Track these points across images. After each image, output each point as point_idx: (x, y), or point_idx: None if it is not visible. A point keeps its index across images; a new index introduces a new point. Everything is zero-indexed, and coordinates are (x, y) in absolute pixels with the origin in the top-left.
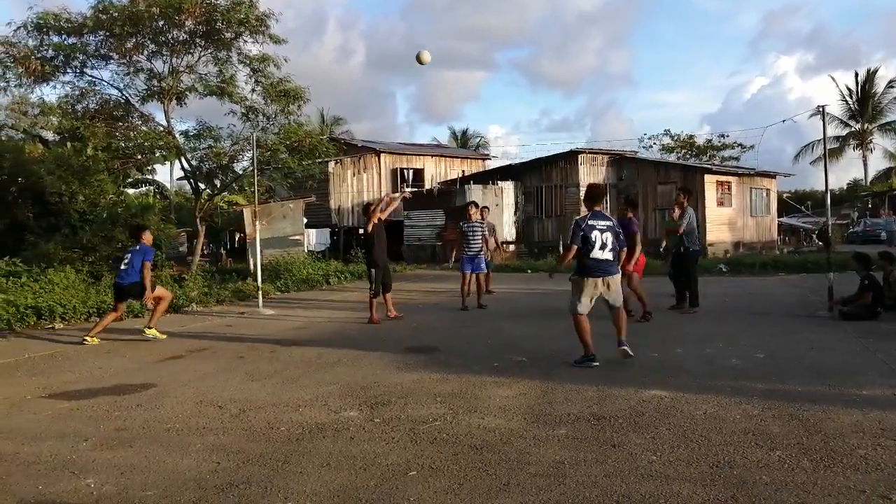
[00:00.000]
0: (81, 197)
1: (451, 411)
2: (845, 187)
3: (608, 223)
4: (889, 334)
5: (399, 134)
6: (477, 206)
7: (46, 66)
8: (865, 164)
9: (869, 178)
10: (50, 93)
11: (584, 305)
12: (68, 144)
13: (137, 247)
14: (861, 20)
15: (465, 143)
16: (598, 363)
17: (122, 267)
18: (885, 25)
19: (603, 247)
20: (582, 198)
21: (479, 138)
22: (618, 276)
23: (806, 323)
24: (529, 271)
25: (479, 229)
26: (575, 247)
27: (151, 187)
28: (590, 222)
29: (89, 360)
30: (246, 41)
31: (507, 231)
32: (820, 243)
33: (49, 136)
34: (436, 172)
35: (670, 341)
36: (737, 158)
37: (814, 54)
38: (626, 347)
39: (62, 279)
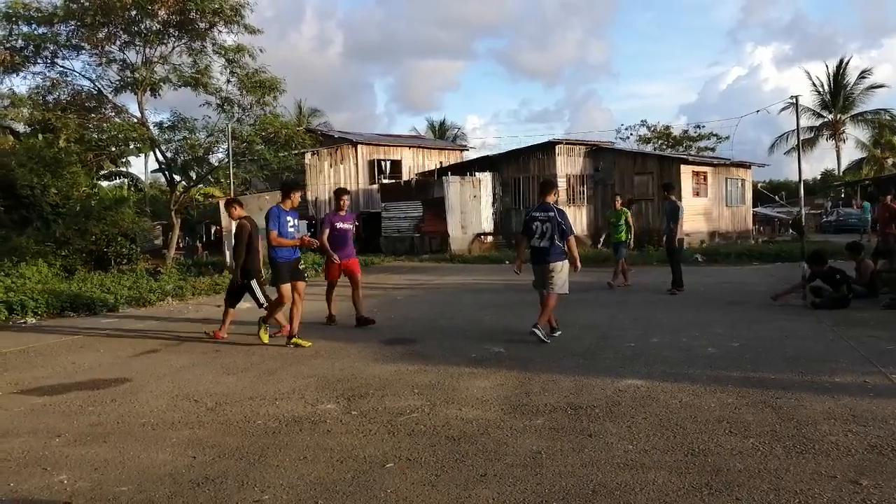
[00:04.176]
0: (54, 189)
1: (428, 403)
2: (819, 177)
3: (549, 214)
4: (860, 322)
5: (377, 124)
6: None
7: (16, 57)
8: (838, 155)
9: (842, 168)
10: (20, 83)
11: (539, 285)
12: (39, 136)
13: None
14: (839, 10)
15: (442, 135)
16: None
17: None
18: (862, 15)
19: (542, 236)
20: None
21: (456, 129)
22: (558, 264)
23: (779, 311)
24: (507, 262)
25: None
26: (524, 236)
27: (126, 180)
28: (533, 213)
29: (62, 356)
30: (220, 31)
31: (486, 222)
32: (793, 233)
33: (19, 127)
34: (413, 163)
35: (646, 330)
36: (713, 149)
37: (791, 45)
38: (535, 330)
39: (34, 273)
